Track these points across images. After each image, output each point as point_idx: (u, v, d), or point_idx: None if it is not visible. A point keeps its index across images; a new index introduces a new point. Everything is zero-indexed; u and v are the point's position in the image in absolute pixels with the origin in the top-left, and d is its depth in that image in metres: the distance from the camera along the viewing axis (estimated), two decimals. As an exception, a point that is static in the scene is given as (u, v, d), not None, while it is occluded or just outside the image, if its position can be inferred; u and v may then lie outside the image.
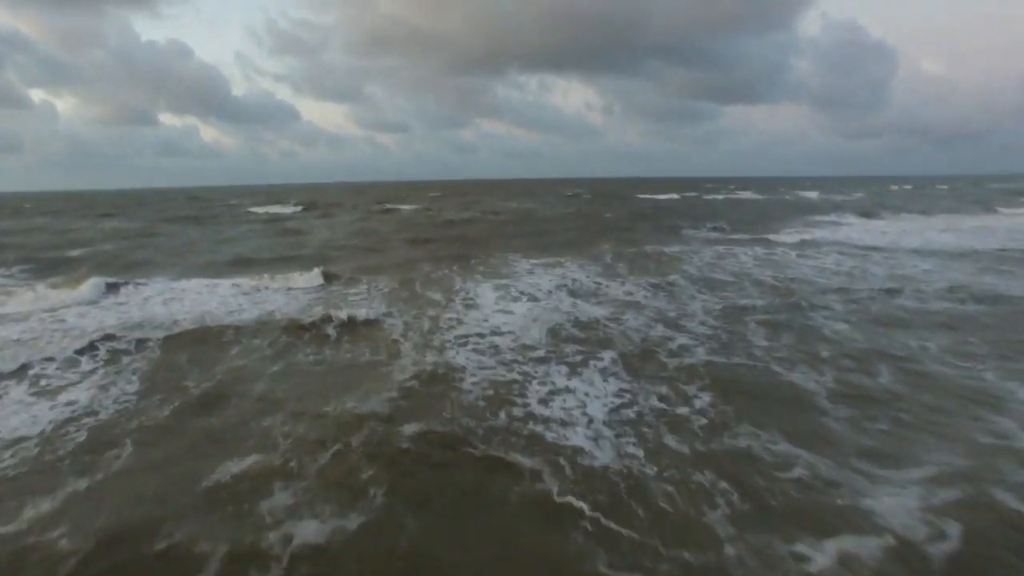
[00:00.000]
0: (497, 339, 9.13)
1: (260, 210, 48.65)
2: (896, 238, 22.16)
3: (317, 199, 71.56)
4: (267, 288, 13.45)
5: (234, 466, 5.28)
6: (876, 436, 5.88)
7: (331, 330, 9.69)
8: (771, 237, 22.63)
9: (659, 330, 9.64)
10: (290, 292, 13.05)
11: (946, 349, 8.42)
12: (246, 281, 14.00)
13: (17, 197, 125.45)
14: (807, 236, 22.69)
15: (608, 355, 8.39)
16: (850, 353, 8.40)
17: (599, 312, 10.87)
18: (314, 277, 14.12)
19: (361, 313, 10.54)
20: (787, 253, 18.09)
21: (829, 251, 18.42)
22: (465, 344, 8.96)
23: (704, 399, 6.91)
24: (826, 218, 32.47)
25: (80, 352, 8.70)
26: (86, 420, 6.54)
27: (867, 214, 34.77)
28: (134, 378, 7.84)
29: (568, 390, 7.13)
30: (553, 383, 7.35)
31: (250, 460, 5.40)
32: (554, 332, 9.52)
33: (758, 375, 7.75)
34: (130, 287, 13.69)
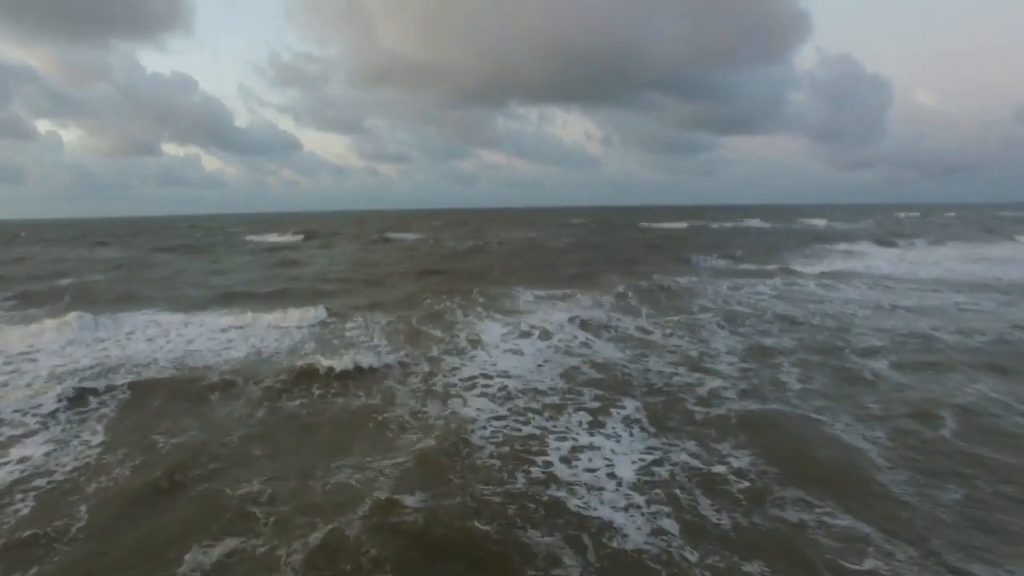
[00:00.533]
0: (508, 383, 8.28)
1: (259, 239, 48.07)
2: (918, 268, 21.41)
3: (318, 228, 71.15)
4: (259, 324, 12.62)
5: (202, 554, 4.40)
6: (959, 510, 5.00)
7: (325, 376, 8.81)
8: (788, 267, 21.92)
9: (683, 373, 8.82)
10: (283, 330, 12.20)
11: (1009, 394, 7.58)
12: (237, 317, 13.17)
13: (16, 225, 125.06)
14: (825, 266, 21.93)
15: (631, 403, 7.56)
16: (899, 399, 7.58)
17: (615, 352, 10.06)
18: (309, 314, 13.25)
19: (359, 357, 9.66)
20: (807, 284, 17.33)
21: (851, 281, 17.64)
22: (472, 388, 8.13)
23: (742, 458, 6.09)
24: (840, 247, 31.75)
25: (45, 397, 7.85)
26: (37, 483, 5.70)
27: (881, 242, 34.16)
28: (99, 428, 7.00)
29: (592, 447, 6.29)
30: (575, 438, 6.51)
31: (223, 545, 4.52)
32: (569, 375, 8.70)
33: (799, 427, 6.91)
34: (113, 322, 12.86)
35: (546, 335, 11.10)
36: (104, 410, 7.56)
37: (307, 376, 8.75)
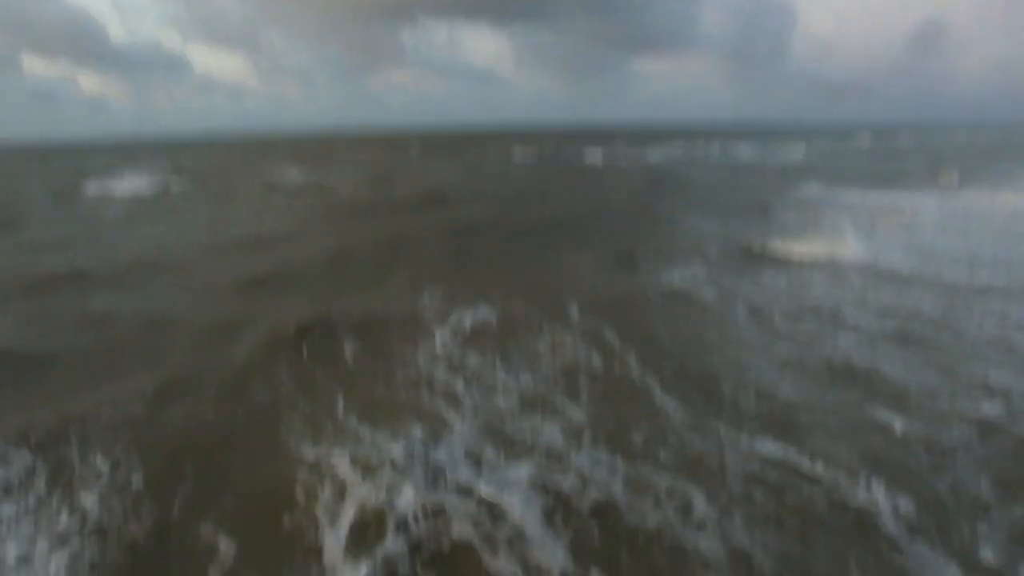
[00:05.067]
0: None
1: (111, 189, 36.67)
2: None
3: (196, 165, 59.52)
4: None
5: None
6: None
7: None
8: (844, 256, 14.43)
9: None
10: None
11: None
12: None
13: None
14: (880, 249, 14.59)
15: None
16: None
17: None
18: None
19: None
20: (906, 295, 10.57)
21: (966, 292, 10.91)
22: None
23: None
24: (868, 200, 24.67)
25: None
26: None
27: (898, 186, 28.14)
28: None
29: None
30: None
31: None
32: None
33: None
34: None
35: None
36: None
37: None
